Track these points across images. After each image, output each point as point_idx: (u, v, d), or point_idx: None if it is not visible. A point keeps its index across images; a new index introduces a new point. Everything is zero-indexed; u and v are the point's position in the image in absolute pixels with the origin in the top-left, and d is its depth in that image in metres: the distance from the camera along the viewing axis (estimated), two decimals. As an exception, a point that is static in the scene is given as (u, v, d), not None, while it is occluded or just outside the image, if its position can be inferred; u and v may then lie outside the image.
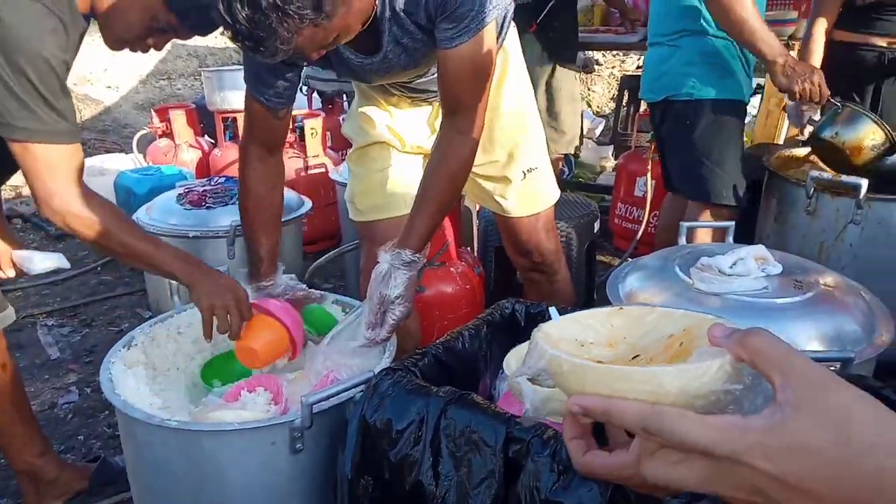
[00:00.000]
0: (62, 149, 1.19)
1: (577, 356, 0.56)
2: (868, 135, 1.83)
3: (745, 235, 1.90)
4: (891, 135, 1.82)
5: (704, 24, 1.92)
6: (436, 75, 1.42)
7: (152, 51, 1.30)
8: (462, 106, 1.27)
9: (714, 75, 1.93)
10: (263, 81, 1.31)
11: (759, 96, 3.52)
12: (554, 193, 1.70)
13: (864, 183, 1.64)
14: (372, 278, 1.26)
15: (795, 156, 2.13)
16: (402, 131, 1.57)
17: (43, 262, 1.50)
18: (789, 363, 0.44)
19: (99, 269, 3.26)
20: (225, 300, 1.25)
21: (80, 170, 1.23)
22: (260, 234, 1.40)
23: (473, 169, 1.60)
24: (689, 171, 2.01)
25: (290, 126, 2.48)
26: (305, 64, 1.33)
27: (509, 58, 1.54)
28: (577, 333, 0.59)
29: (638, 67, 6.98)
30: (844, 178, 1.71)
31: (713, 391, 0.46)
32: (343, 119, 3.41)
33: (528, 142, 1.61)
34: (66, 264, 1.51)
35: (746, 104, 2.04)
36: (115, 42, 1.26)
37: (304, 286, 1.45)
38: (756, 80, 3.19)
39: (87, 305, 2.90)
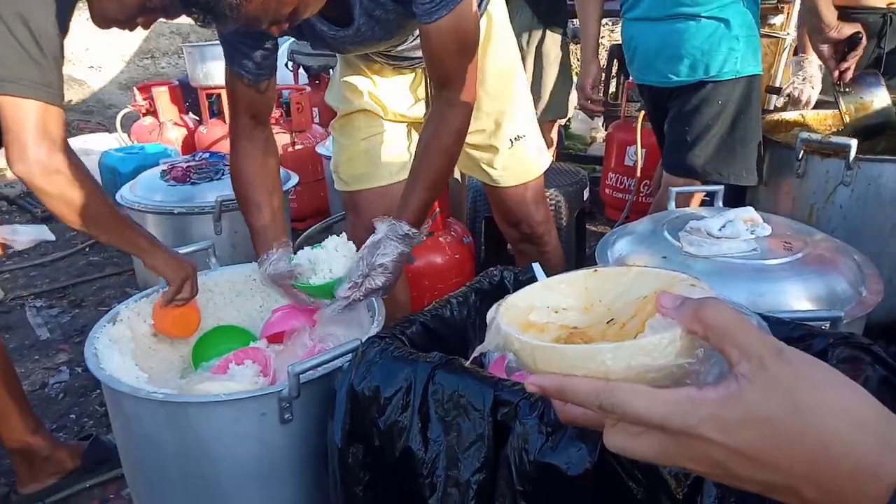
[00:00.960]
0: (38, 104, 1.16)
1: (550, 324, 0.55)
2: None
3: (736, 200, 1.89)
4: None
5: None
6: (415, 43, 1.39)
7: (138, 29, 1.28)
8: (450, 79, 1.24)
9: (753, 48, 1.83)
10: (241, 54, 1.27)
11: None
12: (543, 162, 1.68)
13: (854, 143, 1.63)
14: (365, 244, 1.24)
15: (785, 120, 2.11)
16: (386, 99, 1.54)
17: (27, 233, 1.49)
18: (744, 335, 0.43)
19: (87, 249, 3.23)
20: (189, 273, 1.33)
21: (59, 131, 1.20)
22: (252, 212, 1.37)
23: None
24: (713, 154, 1.85)
25: (276, 100, 2.43)
26: (278, 35, 1.29)
27: (493, 23, 1.51)
28: (551, 300, 0.58)
29: (628, 37, 6.90)
30: (834, 138, 1.70)
31: (664, 366, 0.45)
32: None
33: (515, 109, 1.59)
34: (49, 236, 1.50)
35: None
36: (104, 21, 1.23)
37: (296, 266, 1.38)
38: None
39: (76, 286, 2.88)
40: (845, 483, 0.39)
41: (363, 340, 1.06)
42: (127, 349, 1.25)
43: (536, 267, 0.99)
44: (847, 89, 1.91)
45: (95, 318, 2.59)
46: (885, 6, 2.18)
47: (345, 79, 1.55)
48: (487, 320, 0.54)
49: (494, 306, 0.56)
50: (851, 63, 1.88)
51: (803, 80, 2.20)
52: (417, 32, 1.36)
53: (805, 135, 1.74)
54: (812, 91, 2.19)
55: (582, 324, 0.56)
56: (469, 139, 1.57)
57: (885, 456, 0.39)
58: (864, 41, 1.87)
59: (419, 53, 1.43)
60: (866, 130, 1.89)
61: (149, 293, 1.42)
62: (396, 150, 1.56)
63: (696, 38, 1.81)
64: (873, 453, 0.39)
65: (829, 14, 1.82)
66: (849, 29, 1.84)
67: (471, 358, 0.60)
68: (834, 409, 0.40)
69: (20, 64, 1.14)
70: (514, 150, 1.60)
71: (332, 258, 1.30)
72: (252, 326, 1.47)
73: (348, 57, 1.54)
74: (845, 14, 2.26)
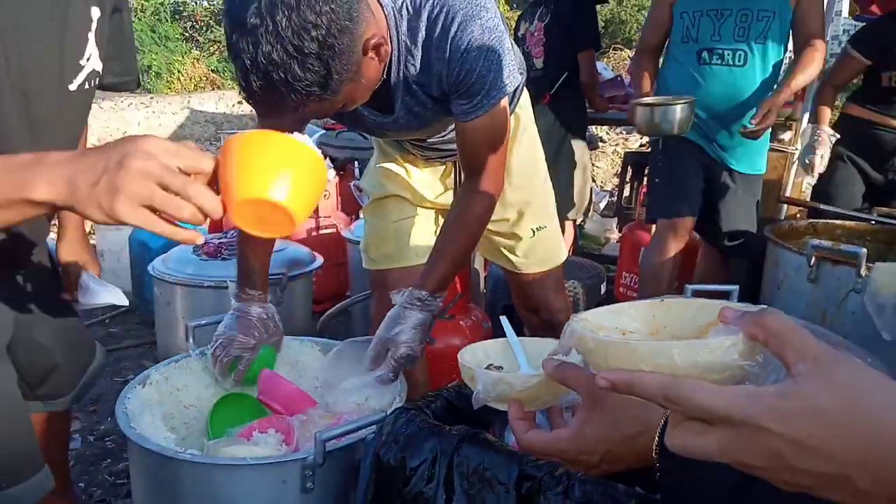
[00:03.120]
0: None
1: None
2: None
3: (751, 302, 1.93)
4: None
5: None
6: (447, 136, 1.50)
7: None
8: (480, 170, 1.34)
9: None
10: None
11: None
12: (562, 253, 1.76)
13: (864, 252, 1.69)
14: (384, 319, 1.29)
15: (796, 227, 2.19)
16: (417, 187, 1.64)
17: (101, 294, 1.40)
18: (801, 340, 0.47)
19: (107, 321, 3.28)
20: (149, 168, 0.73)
21: None
22: (250, 253, 1.47)
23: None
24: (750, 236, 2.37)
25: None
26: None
27: (521, 122, 1.63)
28: (619, 323, 0.63)
29: (641, 145, 7.20)
30: (844, 246, 1.77)
31: (727, 366, 0.49)
32: (353, 185, 3.53)
33: (538, 202, 1.68)
34: (123, 301, 1.42)
35: None
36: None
37: (278, 322, 1.47)
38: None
39: (94, 356, 2.90)
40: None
41: (388, 412, 1.09)
42: (156, 411, 1.28)
43: (504, 320, 1.06)
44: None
45: (111, 389, 2.62)
46: None
47: (380, 165, 1.66)
48: (562, 331, 0.59)
49: (573, 315, 0.61)
50: None
51: (814, 148, 2.43)
52: (451, 127, 1.48)
53: (816, 241, 1.81)
54: (821, 159, 2.42)
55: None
56: (493, 227, 1.66)
57: None
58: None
59: (451, 147, 1.54)
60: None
61: (177, 359, 1.46)
62: (424, 233, 1.64)
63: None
64: None
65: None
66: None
67: (559, 353, 0.65)
68: (887, 405, 0.43)
69: None
70: (535, 238, 1.68)
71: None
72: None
73: (384, 146, 1.65)
74: (868, 126, 2.47)
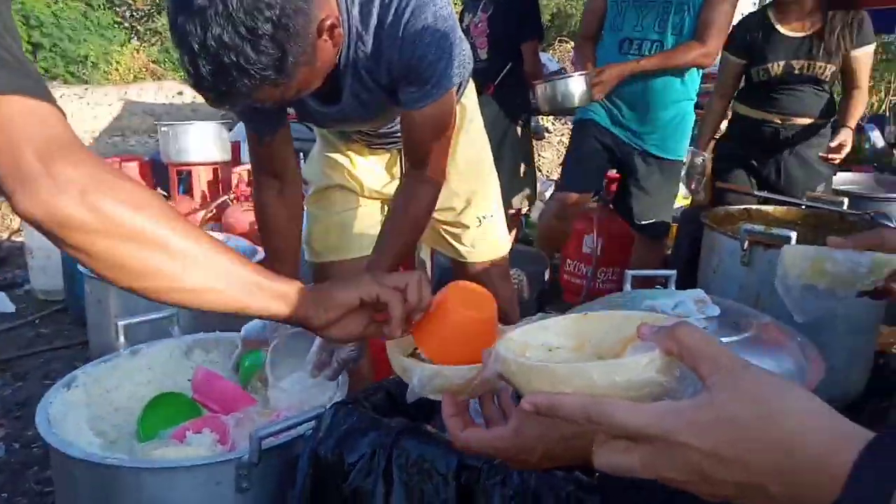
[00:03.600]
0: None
1: (543, 361, 0.60)
2: None
3: (687, 286, 1.98)
4: None
5: None
6: (395, 126, 1.48)
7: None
8: (425, 160, 1.32)
9: None
10: (252, 116, 1.34)
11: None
12: (506, 244, 1.76)
13: (793, 235, 1.75)
14: None
15: (731, 213, 2.25)
16: (362, 177, 1.61)
17: None
18: (713, 352, 0.48)
19: (37, 321, 3.13)
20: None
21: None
22: (280, 262, 1.42)
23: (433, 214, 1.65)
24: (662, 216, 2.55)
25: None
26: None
27: (466, 112, 1.62)
28: (545, 339, 0.63)
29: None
30: (775, 230, 1.82)
31: (646, 383, 0.50)
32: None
33: (484, 191, 1.68)
34: (9, 307, 1.40)
35: None
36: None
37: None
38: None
39: (21, 359, 2.77)
40: (805, 475, 0.44)
41: (327, 407, 1.06)
42: (82, 414, 1.21)
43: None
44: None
45: (39, 393, 2.48)
46: (779, 122, 2.58)
47: (323, 154, 1.62)
48: (484, 355, 0.59)
49: (499, 338, 0.61)
50: None
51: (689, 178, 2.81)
52: (398, 118, 1.46)
53: (749, 226, 1.86)
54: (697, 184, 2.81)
55: (572, 361, 0.60)
56: (440, 216, 1.64)
57: (838, 447, 0.44)
58: None
59: (397, 134, 1.51)
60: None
61: (107, 358, 1.39)
62: (369, 225, 1.61)
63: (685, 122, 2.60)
64: (827, 446, 0.44)
65: None
66: None
67: (482, 375, 0.63)
68: (793, 411, 0.45)
69: None
70: (482, 228, 1.68)
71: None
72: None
73: (327, 135, 1.62)
74: (752, 124, 2.65)
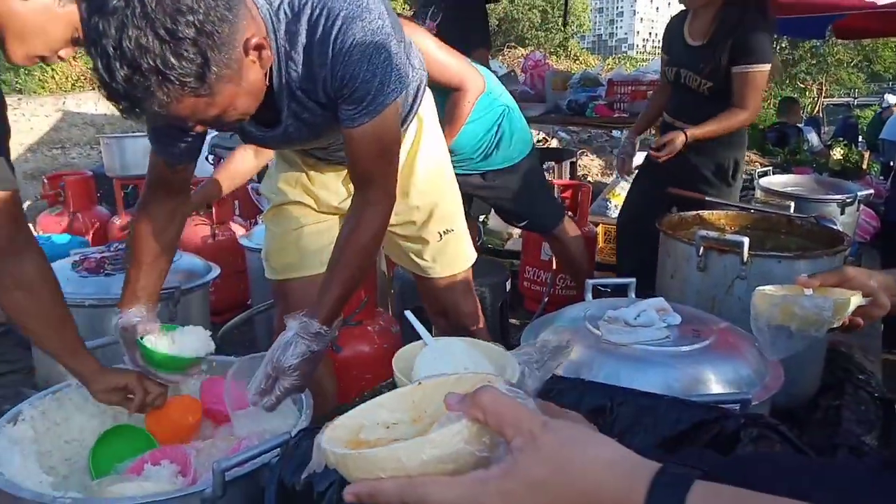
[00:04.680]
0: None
1: (381, 439, 0.59)
2: None
3: (647, 290, 2.01)
4: None
5: None
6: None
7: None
8: (370, 180, 1.26)
9: None
10: (162, 139, 1.28)
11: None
12: (471, 256, 1.75)
13: (746, 241, 1.80)
14: (274, 344, 1.20)
15: (685, 219, 2.30)
16: (319, 192, 1.58)
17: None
18: (515, 414, 0.50)
19: (-24, 346, 2.97)
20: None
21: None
22: (133, 267, 1.34)
23: (392, 228, 1.62)
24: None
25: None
26: (202, 131, 1.29)
27: (424, 124, 1.60)
28: (381, 417, 0.62)
29: (538, 141, 7.39)
30: (728, 236, 1.87)
31: (456, 455, 0.51)
32: (251, 188, 3.38)
33: (444, 204, 1.66)
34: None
35: None
36: (26, 58, 1.20)
37: (149, 323, 1.32)
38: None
39: (-40, 386, 2.62)
40: None
41: (292, 434, 1.03)
42: (30, 451, 1.15)
43: (409, 315, 1.03)
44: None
45: (-19, 422, 2.36)
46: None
47: (280, 170, 1.59)
48: (315, 443, 0.58)
49: (325, 425, 0.60)
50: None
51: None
52: None
53: (703, 232, 1.90)
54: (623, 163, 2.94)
55: (411, 435, 0.59)
56: (399, 230, 1.62)
57: (633, 486, 0.47)
58: None
59: None
60: None
61: (55, 389, 1.33)
62: (327, 241, 1.57)
63: None
64: (624, 487, 0.47)
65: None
66: None
67: (303, 476, 0.67)
68: (590, 459, 0.48)
69: None
70: (443, 242, 1.66)
71: (186, 338, 1.29)
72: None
73: (284, 152, 1.58)
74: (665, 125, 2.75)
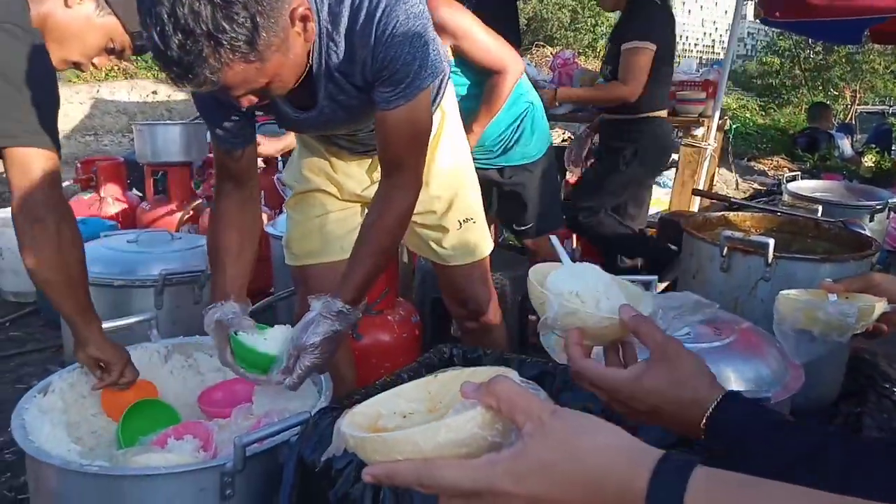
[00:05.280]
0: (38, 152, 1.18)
1: (399, 427, 0.61)
2: None
3: (668, 290, 2.01)
4: None
5: None
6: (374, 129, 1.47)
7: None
8: (400, 164, 1.29)
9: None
10: (218, 126, 1.31)
11: (674, 169, 3.79)
12: (489, 245, 1.76)
13: (771, 242, 1.78)
14: (298, 323, 1.22)
15: (709, 219, 2.29)
16: (343, 180, 1.60)
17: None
18: (526, 402, 0.53)
19: (7, 324, 3.05)
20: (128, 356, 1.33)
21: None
22: (217, 263, 1.36)
23: (413, 217, 1.63)
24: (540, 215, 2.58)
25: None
26: (246, 107, 1.33)
27: (446, 116, 1.61)
28: (397, 406, 0.65)
29: (563, 140, 7.35)
30: (753, 237, 1.85)
31: (470, 439, 0.53)
32: (276, 178, 3.42)
33: (465, 195, 1.68)
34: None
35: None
36: (63, 62, 1.25)
37: (244, 319, 1.30)
38: (672, 156, 3.47)
39: (-9, 363, 2.70)
40: (612, 502, 0.48)
41: (312, 413, 1.05)
42: (59, 421, 1.19)
43: (555, 240, 1.01)
44: None
45: (10, 397, 2.44)
46: None
47: (303, 158, 1.61)
48: (335, 427, 0.61)
49: (345, 411, 0.63)
50: None
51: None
52: None
53: (728, 233, 1.89)
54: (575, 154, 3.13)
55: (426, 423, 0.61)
56: (420, 220, 1.64)
57: (638, 470, 0.48)
58: None
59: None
60: None
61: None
62: (349, 228, 1.59)
63: None
64: (627, 472, 0.49)
65: None
66: None
67: (323, 458, 0.72)
68: (596, 446, 0.50)
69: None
70: (462, 231, 1.67)
71: (275, 338, 1.26)
72: (185, 403, 1.42)
73: (308, 140, 1.60)
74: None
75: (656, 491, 0.47)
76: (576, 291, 0.84)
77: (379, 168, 1.61)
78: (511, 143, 2.37)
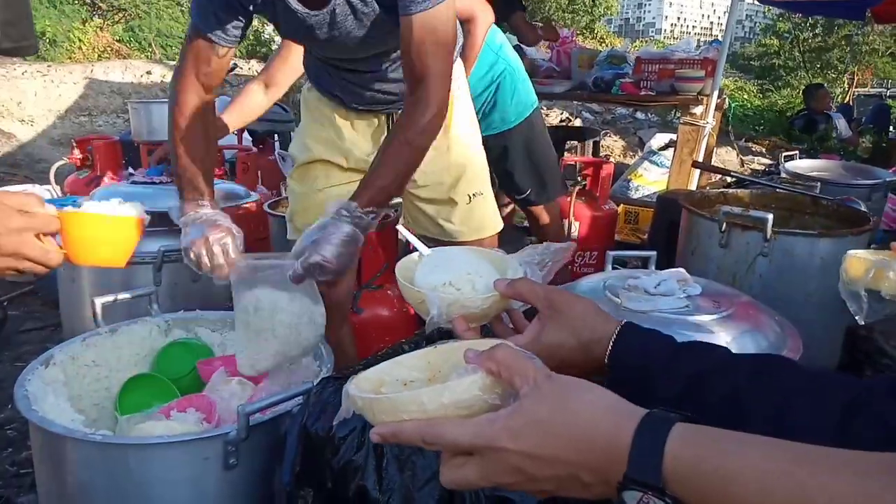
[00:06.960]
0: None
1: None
2: None
3: (667, 266, 2.01)
4: None
5: None
6: (392, 72, 1.45)
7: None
8: (424, 75, 1.25)
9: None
10: (216, 19, 1.31)
11: (672, 148, 3.78)
12: (498, 223, 1.75)
13: (770, 217, 1.78)
14: (314, 224, 1.21)
15: (708, 196, 2.29)
16: (349, 147, 1.58)
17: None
18: (523, 367, 0.56)
19: (6, 303, 3.05)
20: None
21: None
22: (187, 161, 1.39)
23: (421, 192, 1.63)
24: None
25: (221, 159, 2.45)
26: (252, 9, 1.32)
27: (457, 81, 1.59)
28: (399, 374, 0.69)
29: (562, 121, 7.33)
30: (752, 212, 1.86)
31: (472, 401, 0.56)
32: (277, 153, 3.41)
33: (474, 167, 1.67)
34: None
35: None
36: None
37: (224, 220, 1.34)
38: (670, 136, 3.46)
39: (-10, 342, 2.70)
40: (601, 457, 0.51)
41: (315, 382, 1.06)
42: (61, 392, 1.19)
43: (401, 227, 1.04)
44: None
45: (10, 375, 2.44)
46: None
47: (308, 127, 1.60)
48: (343, 391, 0.64)
49: (350, 377, 0.66)
50: None
51: None
52: (393, 56, 1.43)
53: (727, 208, 1.89)
54: None
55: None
56: (427, 193, 1.63)
57: (624, 425, 0.52)
58: None
59: (392, 90, 1.49)
60: None
61: (84, 336, 1.36)
62: (353, 202, 1.59)
63: None
64: (614, 426, 0.52)
65: None
66: None
67: (334, 423, 0.75)
68: (587, 403, 0.53)
69: None
70: (471, 205, 1.66)
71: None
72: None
73: (313, 103, 1.58)
74: None
75: (640, 442, 0.50)
76: (448, 281, 0.87)
77: (385, 132, 1.59)
78: (489, 108, 2.37)
